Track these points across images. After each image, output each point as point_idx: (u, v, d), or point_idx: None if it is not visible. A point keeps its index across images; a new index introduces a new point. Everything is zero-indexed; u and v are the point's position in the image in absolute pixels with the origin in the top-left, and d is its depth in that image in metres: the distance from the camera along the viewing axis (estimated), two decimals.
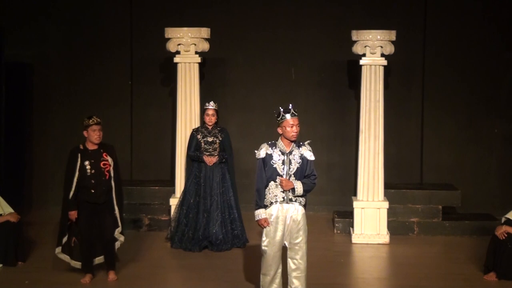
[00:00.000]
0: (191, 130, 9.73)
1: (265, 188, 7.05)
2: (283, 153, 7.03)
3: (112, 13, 11.62)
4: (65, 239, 8.10)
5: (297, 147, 7.05)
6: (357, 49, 9.87)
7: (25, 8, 11.60)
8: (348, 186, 11.35)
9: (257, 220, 7.06)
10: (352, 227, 10.04)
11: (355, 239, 9.91)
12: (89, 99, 11.60)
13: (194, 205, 9.53)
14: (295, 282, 7.08)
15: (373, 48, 9.82)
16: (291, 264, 7.09)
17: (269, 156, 7.03)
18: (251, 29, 11.52)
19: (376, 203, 9.92)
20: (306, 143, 7.14)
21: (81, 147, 8.02)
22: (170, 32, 10.06)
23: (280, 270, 7.14)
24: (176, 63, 10.12)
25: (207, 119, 9.54)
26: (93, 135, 7.95)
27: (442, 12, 11.41)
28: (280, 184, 6.99)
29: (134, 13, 11.60)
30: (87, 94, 11.63)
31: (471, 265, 8.84)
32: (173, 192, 10.20)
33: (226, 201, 9.56)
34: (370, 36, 9.79)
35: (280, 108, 7.02)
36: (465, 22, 11.39)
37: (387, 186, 10.19)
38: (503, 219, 8.56)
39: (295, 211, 7.03)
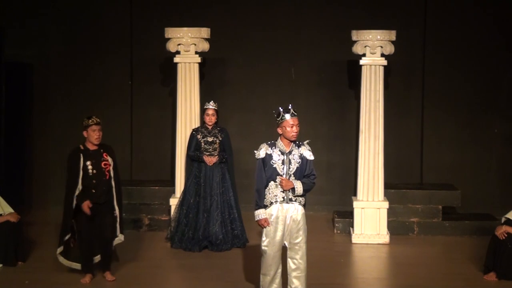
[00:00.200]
0: (191, 130, 9.73)
1: (265, 188, 7.05)
2: (282, 153, 7.03)
3: (112, 13, 11.62)
4: (67, 237, 8.05)
5: (296, 147, 7.05)
6: (357, 49, 9.87)
7: (25, 8, 11.61)
8: (348, 186, 11.35)
9: (257, 220, 7.06)
10: (352, 227, 10.04)
11: (355, 239, 9.91)
12: (89, 99, 11.60)
13: (194, 205, 9.53)
14: (295, 282, 7.08)
15: (373, 48, 9.82)
16: (291, 264, 7.09)
17: (268, 156, 7.03)
18: (251, 29, 11.52)
19: (376, 203, 9.92)
20: (305, 142, 7.14)
21: (82, 147, 8.02)
22: (170, 32, 10.07)
23: (280, 270, 7.13)
24: (176, 63, 10.12)
25: (207, 119, 9.54)
26: (93, 135, 7.95)
27: (442, 12, 11.41)
28: (280, 184, 6.99)
29: (134, 13, 11.60)
30: (87, 94, 11.63)
31: (471, 265, 8.83)
32: (173, 192, 10.20)
33: (226, 201, 9.56)
34: (370, 36, 9.79)
35: (280, 108, 7.02)
36: (465, 22, 11.39)
37: (387, 186, 10.19)
38: (503, 219, 8.56)
39: (295, 211, 7.03)
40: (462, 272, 8.64)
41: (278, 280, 7.13)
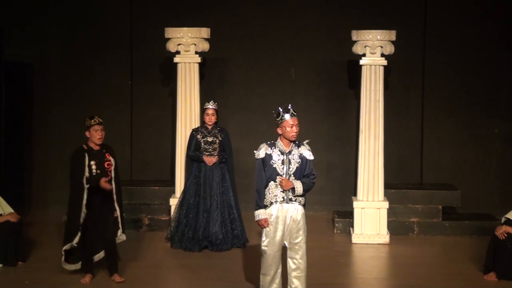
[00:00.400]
0: (191, 130, 9.73)
1: (265, 188, 7.05)
2: (282, 153, 7.03)
3: (112, 13, 11.62)
4: (76, 239, 7.94)
5: (296, 147, 7.06)
6: (357, 49, 9.87)
7: (25, 8, 11.61)
8: (348, 186, 11.35)
9: (257, 221, 7.06)
10: (352, 227, 10.04)
11: (355, 239, 9.91)
12: (89, 99, 11.60)
13: (194, 205, 9.53)
14: (295, 282, 7.08)
15: (373, 48, 9.82)
16: (291, 263, 7.09)
17: (268, 156, 7.03)
18: (251, 29, 11.52)
19: (376, 203, 9.92)
20: (305, 142, 7.14)
21: (85, 147, 8.01)
22: (170, 32, 10.07)
23: (280, 270, 7.14)
24: (176, 63, 10.12)
25: (207, 118, 9.54)
26: (96, 135, 7.95)
27: (442, 12, 11.41)
28: (279, 184, 6.99)
29: (134, 13, 11.60)
30: (87, 94, 11.63)
31: (471, 265, 8.83)
32: (173, 192, 10.20)
33: (226, 201, 9.56)
34: (370, 36, 9.79)
35: (280, 108, 7.02)
36: (465, 22, 11.39)
37: (387, 186, 10.19)
38: (503, 219, 8.56)
39: (295, 211, 7.03)
40: (462, 272, 8.64)
41: (278, 280, 7.13)
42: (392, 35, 9.84)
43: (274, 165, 7.00)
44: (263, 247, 7.07)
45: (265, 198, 7.05)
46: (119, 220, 8.16)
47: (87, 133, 7.98)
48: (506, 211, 8.63)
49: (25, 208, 11.15)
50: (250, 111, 11.58)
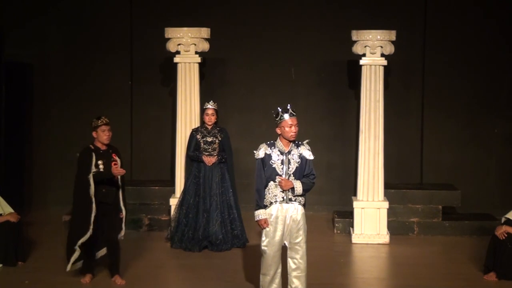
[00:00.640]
0: (191, 130, 9.73)
1: (265, 188, 7.05)
2: (282, 153, 7.03)
3: (112, 13, 11.62)
4: (85, 239, 7.87)
5: (296, 147, 7.06)
6: (357, 49, 9.87)
7: (25, 8, 11.61)
8: (348, 186, 11.35)
9: (257, 221, 7.06)
10: (352, 227, 10.04)
11: (355, 239, 9.90)
12: (89, 99, 11.60)
13: (193, 205, 9.53)
14: (295, 282, 7.09)
15: (373, 48, 9.82)
16: (291, 263, 7.09)
17: (268, 156, 7.03)
18: (251, 29, 11.52)
19: (376, 203, 9.92)
20: (305, 142, 7.14)
21: (92, 147, 8.00)
22: (170, 32, 10.07)
23: (280, 270, 7.13)
24: (176, 63, 10.12)
25: (206, 118, 9.54)
26: (103, 136, 7.94)
27: (442, 12, 11.42)
28: (279, 184, 6.99)
29: (134, 13, 11.60)
30: (87, 94, 11.63)
31: (471, 265, 8.83)
32: (173, 192, 10.20)
33: (225, 201, 9.56)
34: (370, 36, 9.79)
35: (279, 108, 7.02)
36: (465, 22, 11.39)
37: (387, 186, 10.19)
38: (503, 219, 8.56)
39: (295, 211, 7.03)
40: (462, 272, 8.64)
41: (278, 280, 7.13)
42: (392, 35, 9.84)
43: (274, 165, 7.00)
44: (262, 247, 7.07)
45: (265, 198, 7.05)
46: (123, 222, 8.17)
47: (94, 134, 7.97)
48: (506, 211, 8.63)
49: (25, 208, 11.15)
50: (250, 111, 11.58)
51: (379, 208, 9.91)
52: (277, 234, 7.04)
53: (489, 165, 11.51)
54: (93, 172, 7.85)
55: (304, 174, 7.05)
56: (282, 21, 11.52)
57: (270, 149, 7.05)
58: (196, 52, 10.10)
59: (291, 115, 6.98)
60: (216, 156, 9.51)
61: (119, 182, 8.04)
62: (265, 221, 7.01)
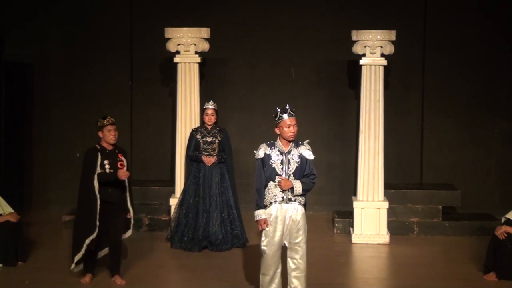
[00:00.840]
0: (191, 130, 9.73)
1: (265, 188, 7.05)
2: (281, 153, 7.03)
3: (112, 13, 11.62)
4: (91, 238, 7.86)
5: (295, 147, 7.05)
6: (357, 49, 9.87)
7: (25, 8, 11.61)
8: (348, 186, 11.35)
9: (256, 220, 7.07)
10: (352, 227, 10.04)
11: (355, 239, 9.90)
12: (89, 99, 11.61)
13: (193, 205, 9.53)
14: (295, 282, 7.08)
15: (373, 48, 9.82)
16: (290, 263, 7.09)
17: (267, 156, 7.03)
18: (251, 29, 11.52)
19: (376, 203, 9.92)
20: (305, 142, 7.14)
21: (98, 146, 7.99)
22: (170, 32, 10.07)
23: (279, 270, 7.13)
24: (176, 63, 10.12)
25: (206, 118, 9.54)
26: (109, 135, 7.93)
27: (442, 12, 11.41)
28: (278, 184, 6.99)
29: (134, 13, 11.60)
30: (87, 94, 11.64)
31: (471, 265, 8.83)
32: (173, 192, 10.20)
33: (225, 201, 9.56)
34: (370, 36, 9.79)
35: (277, 108, 7.02)
36: (465, 22, 11.39)
37: (387, 186, 10.19)
38: (503, 219, 8.56)
39: (294, 211, 7.03)
40: (462, 272, 8.64)
41: (277, 280, 7.13)
42: (392, 35, 9.84)
43: (273, 165, 7.00)
44: (262, 247, 7.07)
45: (264, 198, 7.05)
46: (132, 221, 8.17)
47: (100, 133, 7.95)
48: (506, 211, 8.63)
49: (25, 208, 11.16)
50: (250, 111, 11.58)
51: (379, 208, 9.92)
52: (276, 234, 7.04)
53: (489, 165, 11.51)
54: (99, 172, 7.84)
55: (305, 174, 7.04)
56: (282, 21, 11.52)
57: (270, 149, 7.05)
58: (196, 52, 10.10)
59: (289, 115, 6.97)
60: (216, 156, 9.51)
61: (126, 183, 8.04)
62: (265, 221, 7.01)
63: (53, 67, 11.70)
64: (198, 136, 9.54)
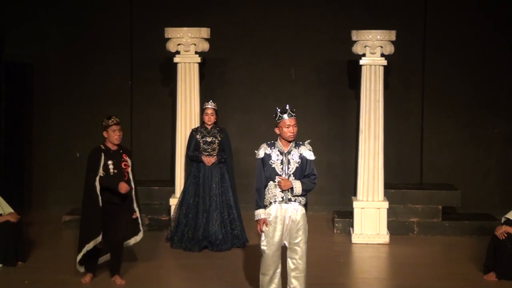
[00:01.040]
0: (191, 130, 9.73)
1: (265, 188, 7.04)
2: (281, 153, 7.03)
3: (112, 13, 11.62)
4: (99, 238, 7.86)
5: (296, 147, 7.05)
6: (357, 49, 9.87)
7: (25, 8, 11.61)
8: (348, 186, 11.35)
9: (256, 220, 7.07)
10: (352, 227, 10.04)
11: (355, 239, 9.90)
12: (89, 99, 11.61)
13: (193, 205, 9.53)
14: (294, 282, 7.08)
15: (373, 48, 9.82)
16: (290, 264, 7.08)
17: (267, 156, 7.03)
18: (251, 29, 11.52)
19: (376, 203, 9.92)
20: (306, 142, 7.13)
21: (103, 146, 7.98)
22: (170, 32, 10.07)
23: (279, 270, 7.12)
24: (176, 63, 10.12)
25: (206, 118, 9.54)
26: (113, 136, 7.91)
27: (442, 12, 11.41)
28: (278, 184, 6.98)
29: (134, 13, 11.60)
30: (87, 94, 11.64)
31: (471, 265, 8.83)
32: (173, 192, 10.20)
33: (225, 201, 9.56)
34: (370, 36, 9.79)
35: (277, 108, 7.02)
36: (465, 22, 11.39)
37: (387, 186, 10.19)
38: (503, 219, 8.56)
39: (294, 211, 7.02)
40: (462, 272, 8.64)
41: (277, 280, 7.12)
42: (392, 35, 9.84)
43: (273, 165, 7.00)
44: (262, 247, 7.07)
45: (264, 198, 7.05)
46: (139, 221, 8.16)
47: (104, 133, 7.94)
48: (506, 211, 8.63)
49: (25, 208, 11.16)
50: (250, 111, 11.58)
51: (379, 208, 9.91)
52: (276, 234, 7.03)
53: (489, 165, 11.51)
54: (101, 176, 7.83)
55: (305, 175, 7.04)
56: (282, 21, 11.52)
57: (270, 149, 7.05)
58: (196, 52, 10.10)
59: (289, 115, 6.97)
60: (216, 156, 9.51)
61: (131, 183, 8.03)
62: (264, 221, 7.00)
63: (53, 67, 11.70)
64: (198, 136, 9.54)
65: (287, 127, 6.96)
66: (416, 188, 10.73)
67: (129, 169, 8.04)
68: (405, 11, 11.42)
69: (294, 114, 6.99)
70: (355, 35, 9.86)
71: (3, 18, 11.34)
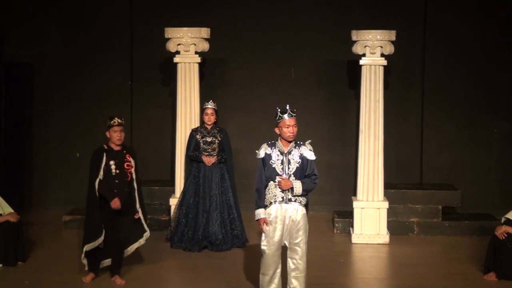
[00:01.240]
0: (191, 130, 9.73)
1: (265, 188, 7.05)
2: (281, 153, 7.03)
3: (112, 13, 11.62)
4: (100, 239, 7.89)
5: (296, 147, 7.05)
6: (357, 49, 9.88)
7: (25, 7, 11.61)
8: (348, 186, 11.35)
9: (256, 220, 7.07)
10: (352, 227, 10.04)
11: (355, 239, 9.91)
12: (89, 99, 11.61)
13: (193, 205, 9.53)
14: (294, 282, 7.08)
15: (373, 48, 9.82)
16: (290, 264, 7.09)
17: (268, 156, 7.03)
18: (251, 29, 11.52)
19: (376, 203, 9.92)
20: (307, 142, 7.13)
21: (105, 147, 7.99)
22: (170, 32, 10.07)
23: (279, 270, 7.13)
24: (176, 63, 10.12)
25: (206, 118, 9.54)
26: (115, 136, 7.92)
27: (442, 12, 11.42)
28: (278, 184, 6.98)
29: (134, 13, 11.60)
30: (87, 94, 11.64)
31: (471, 265, 8.83)
32: (173, 192, 10.20)
33: (225, 201, 9.56)
34: (370, 36, 9.79)
35: (278, 108, 7.03)
36: (465, 22, 11.39)
37: (387, 186, 10.19)
38: (503, 219, 8.56)
39: (294, 211, 7.02)
40: (462, 272, 8.64)
41: (277, 280, 7.12)
42: (392, 35, 9.84)
43: (274, 165, 7.00)
44: (262, 247, 7.07)
45: (265, 198, 7.05)
46: (143, 222, 8.15)
47: (107, 133, 7.95)
48: (506, 211, 8.63)
49: (25, 208, 11.16)
50: (250, 111, 11.58)
51: (379, 208, 9.92)
52: (276, 234, 7.04)
53: (489, 165, 11.51)
54: (101, 178, 7.84)
55: (306, 175, 7.04)
56: (282, 21, 11.52)
57: (271, 149, 7.05)
58: (196, 52, 10.10)
59: (289, 115, 6.97)
60: (216, 156, 9.51)
61: (134, 184, 8.03)
62: (264, 220, 7.01)
63: (53, 67, 11.70)
64: (198, 136, 9.54)
65: (287, 127, 6.96)
66: (416, 188, 10.73)
67: (132, 170, 8.04)
68: (405, 11, 11.43)
69: (294, 114, 6.99)
70: (355, 35, 9.87)
71: (3, 18, 11.35)
